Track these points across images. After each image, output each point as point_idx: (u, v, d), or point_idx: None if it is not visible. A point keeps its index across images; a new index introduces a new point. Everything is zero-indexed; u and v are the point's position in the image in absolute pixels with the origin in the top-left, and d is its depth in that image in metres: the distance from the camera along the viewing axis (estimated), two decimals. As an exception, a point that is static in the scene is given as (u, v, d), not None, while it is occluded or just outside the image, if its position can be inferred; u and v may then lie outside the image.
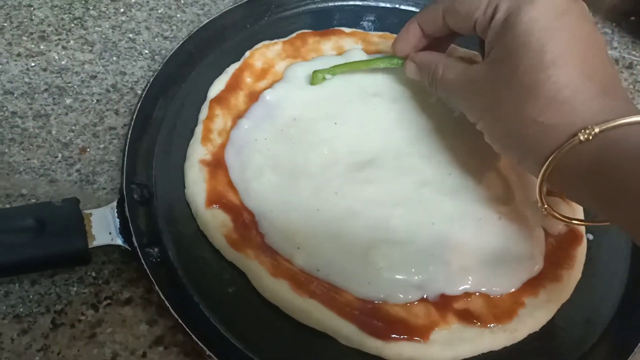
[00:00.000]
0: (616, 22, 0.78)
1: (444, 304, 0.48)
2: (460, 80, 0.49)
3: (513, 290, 0.49)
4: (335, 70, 0.59)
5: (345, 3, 0.71)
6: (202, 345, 0.43)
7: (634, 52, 0.74)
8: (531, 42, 0.43)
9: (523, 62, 0.43)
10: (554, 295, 0.49)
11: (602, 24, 0.77)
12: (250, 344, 0.46)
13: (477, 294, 0.49)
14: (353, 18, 0.70)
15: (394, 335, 0.45)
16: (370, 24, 0.70)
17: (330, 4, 0.71)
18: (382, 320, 0.46)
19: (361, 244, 0.50)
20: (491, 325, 0.47)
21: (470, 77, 0.48)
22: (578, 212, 0.54)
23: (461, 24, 0.50)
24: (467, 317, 0.47)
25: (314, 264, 0.48)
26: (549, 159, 0.42)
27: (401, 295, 0.48)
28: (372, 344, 0.45)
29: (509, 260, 0.50)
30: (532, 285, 0.49)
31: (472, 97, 0.48)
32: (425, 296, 0.48)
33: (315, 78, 0.58)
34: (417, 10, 0.71)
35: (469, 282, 0.49)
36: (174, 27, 0.68)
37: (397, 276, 0.48)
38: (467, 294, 0.48)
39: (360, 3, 0.72)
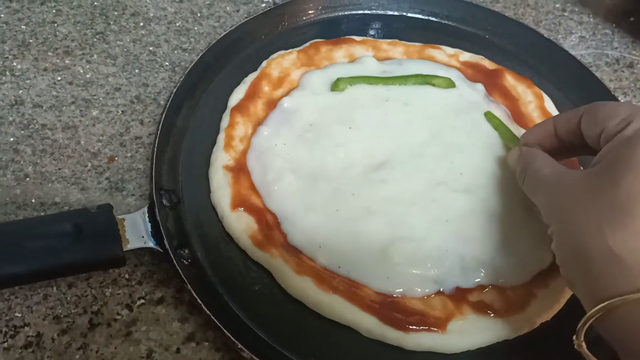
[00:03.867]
0: (616, 23, 0.80)
1: (459, 296, 0.50)
2: (553, 178, 0.46)
3: (524, 282, 0.52)
4: (354, 81, 0.62)
5: (354, 12, 0.74)
6: (233, 339, 0.46)
7: (634, 52, 0.77)
8: None
9: (628, 181, 0.39)
10: (564, 286, 0.52)
11: (603, 25, 0.80)
12: (277, 337, 0.48)
13: (491, 286, 0.51)
14: (360, 26, 0.73)
15: (413, 327, 0.48)
16: (377, 31, 0.73)
17: (339, 14, 0.74)
18: (402, 313, 0.49)
19: (379, 241, 0.52)
20: (505, 316, 0.50)
21: (564, 178, 0.45)
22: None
23: (591, 128, 0.47)
24: (482, 308, 0.50)
25: (335, 262, 0.51)
26: (609, 302, 0.38)
27: (418, 289, 0.50)
28: (393, 335, 0.48)
29: (519, 254, 0.53)
30: (543, 277, 0.52)
31: (557, 200, 0.44)
32: (441, 289, 0.51)
33: (336, 85, 0.62)
34: (424, 17, 0.74)
35: (483, 275, 0.51)
36: (192, 40, 0.71)
37: (414, 271, 0.51)
38: (481, 287, 0.51)
39: (368, 12, 0.75)
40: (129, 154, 0.60)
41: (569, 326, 0.50)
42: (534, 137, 0.53)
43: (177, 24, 0.72)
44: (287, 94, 0.62)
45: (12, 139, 0.60)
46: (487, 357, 0.49)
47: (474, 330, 0.49)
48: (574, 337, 0.41)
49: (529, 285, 0.51)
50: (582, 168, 0.60)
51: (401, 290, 0.50)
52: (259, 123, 0.59)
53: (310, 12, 0.72)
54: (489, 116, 0.61)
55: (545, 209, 0.46)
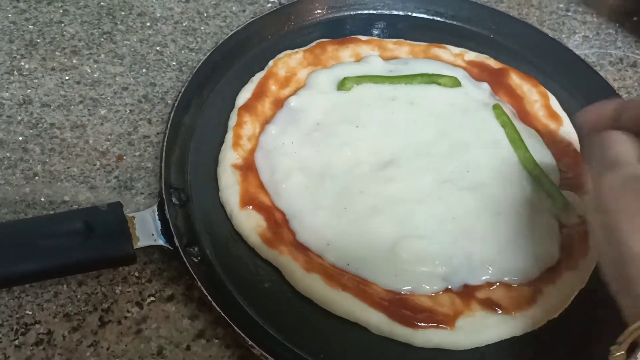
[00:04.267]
0: (619, 23, 0.81)
1: (467, 293, 0.51)
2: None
3: (532, 279, 0.52)
4: (361, 80, 0.63)
5: (359, 12, 0.75)
6: (243, 336, 0.46)
7: (637, 51, 0.77)
8: None
9: None
10: (571, 283, 0.52)
11: (606, 25, 0.81)
12: (287, 333, 0.48)
13: (498, 283, 0.51)
14: (365, 26, 0.74)
15: (422, 324, 0.48)
16: (381, 31, 0.73)
17: (345, 13, 0.74)
18: (410, 310, 0.49)
19: (387, 239, 0.52)
20: (512, 313, 0.50)
21: None
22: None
23: None
24: (490, 305, 0.50)
25: (343, 259, 0.51)
26: None
27: (427, 287, 0.51)
28: (402, 332, 0.48)
29: (526, 251, 0.53)
30: (550, 273, 0.52)
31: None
32: (449, 287, 0.51)
33: (343, 84, 0.62)
34: (429, 17, 0.75)
35: (490, 273, 0.52)
36: (198, 40, 0.71)
37: (422, 269, 0.51)
38: (488, 284, 0.51)
39: (373, 12, 0.75)
40: (137, 153, 0.60)
41: (575, 323, 0.51)
42: (587, 118, 0.47)
43: (184, 24, 0.73)
44: (294, 93, 0.62)
45: (20, 138, 0.60)
46: (495, 353, 0.49)
47: (482, 327, 0.49)
48: (612, 347, 0.38)
49: (536, 282, 0.52)
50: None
51: (409, 287, 0.50)
52: (266, 122, 0.60)
53: (316, 12, 0.73)
54: (497, 111, 0.61)
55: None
